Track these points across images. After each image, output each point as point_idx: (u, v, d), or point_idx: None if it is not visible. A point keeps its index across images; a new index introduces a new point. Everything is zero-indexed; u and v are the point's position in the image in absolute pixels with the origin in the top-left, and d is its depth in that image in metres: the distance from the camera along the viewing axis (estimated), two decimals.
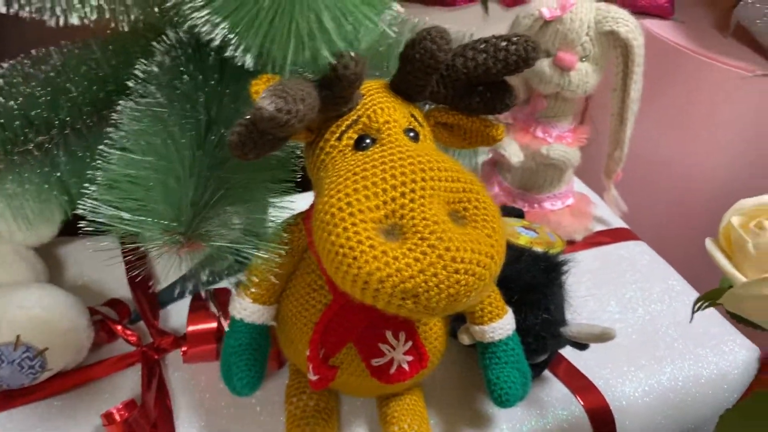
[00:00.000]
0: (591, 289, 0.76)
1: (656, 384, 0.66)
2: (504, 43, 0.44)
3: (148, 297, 0.67)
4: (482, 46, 0.45)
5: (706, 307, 0.47)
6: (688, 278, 0.82)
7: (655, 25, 0.91)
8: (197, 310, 0.62)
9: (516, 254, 0.60)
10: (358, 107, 0.45)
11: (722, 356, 0.69)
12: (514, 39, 0.44)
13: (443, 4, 0.90)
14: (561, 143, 0.75)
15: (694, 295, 0.76)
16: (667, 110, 0.90)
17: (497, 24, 0.73)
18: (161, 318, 0.68)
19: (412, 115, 0.46)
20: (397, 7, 0.73)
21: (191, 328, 0.61)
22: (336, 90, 0.42)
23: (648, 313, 0.73)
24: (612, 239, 0.83)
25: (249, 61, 0.38)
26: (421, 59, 0.44)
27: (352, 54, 0.40)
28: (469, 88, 0.47)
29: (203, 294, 0.63)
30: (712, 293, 0.47)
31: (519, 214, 0.73)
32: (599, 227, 0.84)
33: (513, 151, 0.74)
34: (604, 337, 0.56)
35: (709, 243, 0.45)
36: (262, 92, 0.37)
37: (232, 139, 0.39)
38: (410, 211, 0.39)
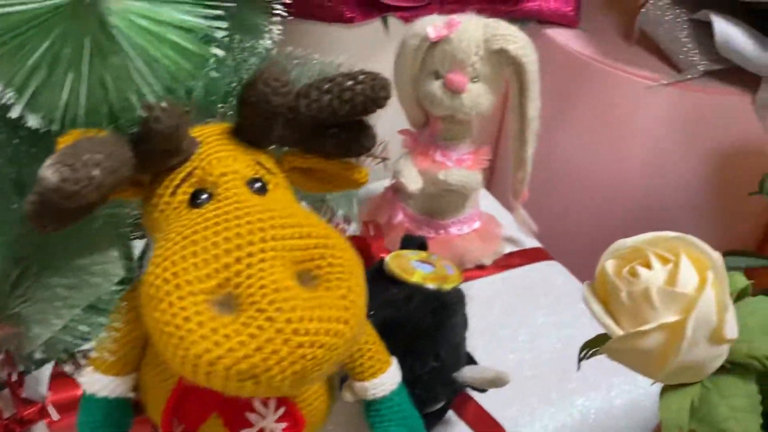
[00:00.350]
0: (501, 317, 0.72)
1: (568, 418, 0.63)
2: (349, 83, 0.40)
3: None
4: (327, 86, 0.40)
5: (591, 355, 0.43)
6: None
7: (562, 35, 0.88)
8: (59, 376, 0.56)
9: (405, 295, 0.56)
10: (193, 158, 0.40)
11: (635, 384, 0.66)
12: (361, 78, 0.40)
13: (341, 21, 0.86)
14: (461, 167, 0.72)
15: None
16: (577, 123, 0.88)
17: (398, 41, 0.69)
18: (29, 382, 0.62)
19: (259, 163, 0.42)
20: (272, 37, 0.68)
21: (53, 396, 0.55)
22: (153, 145, 0.37)
23: (560, 340, 0.70)
24: (524, 260, 0.80)
25: (34, 120, 0.33)
26: (256, 104, 0.39)
27: (164, 105, 0.35)
28: (321, 130, 0.42)
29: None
30: (596, 340, 0.43)
31: (421, 244, 0.69)
32: (511, 248, 0.81)
33: (411, 177, 0.70)
34: (497, 382, 0.52)
35: (585, 289, 0.41)
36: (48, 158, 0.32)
37: (29, 210, 0.34)
38: (247, 278, 0.35)
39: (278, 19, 0.70)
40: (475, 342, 0.67)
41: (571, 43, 0.86)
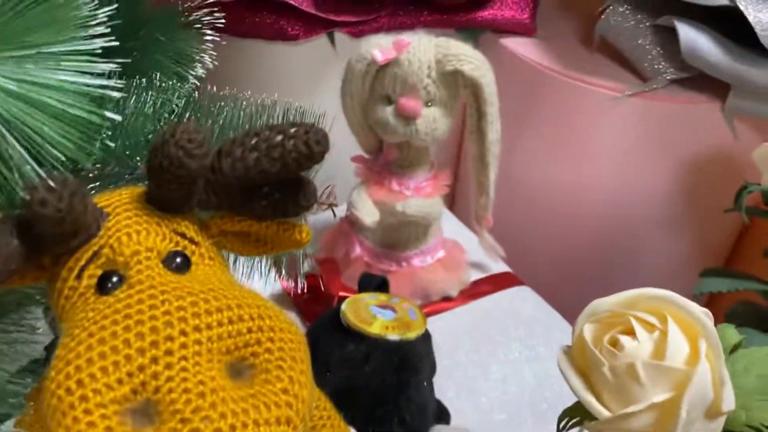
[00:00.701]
0: (471, 354, 0.68)
1: None
2: (279, 138, 0.34)
3: None
4: (253, 141, 0.35)
5: (571, 427, 0.38)
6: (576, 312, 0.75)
7: (519, 45, 0.83)
8: None
9: (363, 353, 0.51)
10: (101, 233, 0.34)
11: None
12: (292, 131, 0.34)
13: (284, 39, 0.80)
14: (420, 195, 0.66)
15: None
16: (538, 138, 0.83)
17: (348, 58, 0.63)
18: None
19: (179, 233, 0.36)
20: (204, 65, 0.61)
21: None
22: (44, 229, 0.31)
23: (535, 376, 0.66)
24: (492, 287, 0.75)
25: None
26: (168, 169, 0.33)
27: (50, 183, 0.29)
28: (250, 191, 0.37)
29: None
30: (575, 408, 0.38)
31: (381, 284, 0.64)
32: (478, 274, 0.76)
33: (366, 210, 0.65)
34: None
35: (561, 357, 0.36)
36: None
37: None
38: (166, 381, 0.29)
39: (210, 45, 0.64)
40: (444, 384, 0.62)
41: (528, 53, 0.81)
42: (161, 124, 0.49)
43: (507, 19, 0.83)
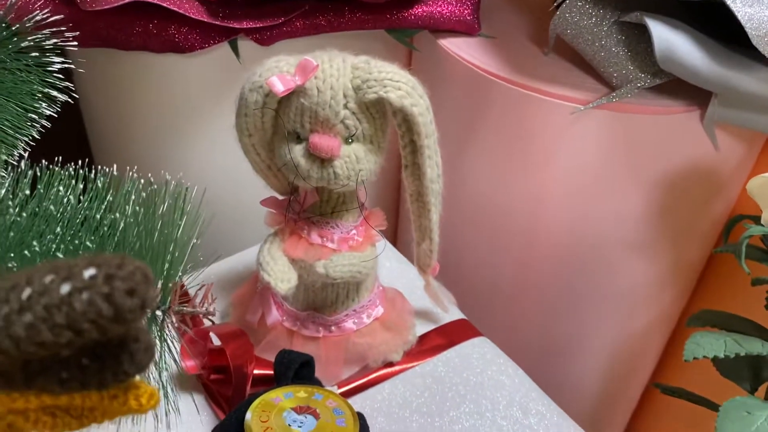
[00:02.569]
0: None
1: None
2: (64, 289, 0.21)
3: None
4: (24, 295, 0.21)
5: None
6: (542, 350, 0.64)
7: (461, 47, 0.70)
8: None
9: None
10: None
11: None
12: (86, 277, 0.21)
13: (176, 50, 0.65)
14: (346, 248, 0.53)
15: (552, 409, 0.58)
16: (487, 156, 0.71)
17: (254, 67, 0.49)
18: None
19: None
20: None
21: None
22: None
23: None
24: (445, 341, 0.63)
25: None
26: None
27: None
28: (44, 360, 0.23)
29: None
30: None
31: (303, 365, 0.51)
32: (428, 326, 0.64)
33: (278, 273, 0.51)
34: None
35: None
36: None
37: None
38: None
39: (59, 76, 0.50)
40: None
41: (472, 56, 0.69)
42: None
43: (445, 16, 0.70)
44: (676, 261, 0.74)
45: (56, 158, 0.39)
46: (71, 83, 0.51)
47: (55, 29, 0.48)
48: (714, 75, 0.54)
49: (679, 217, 0.69)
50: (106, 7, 0.60)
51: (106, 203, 0.32)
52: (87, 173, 0.34)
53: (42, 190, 0.32)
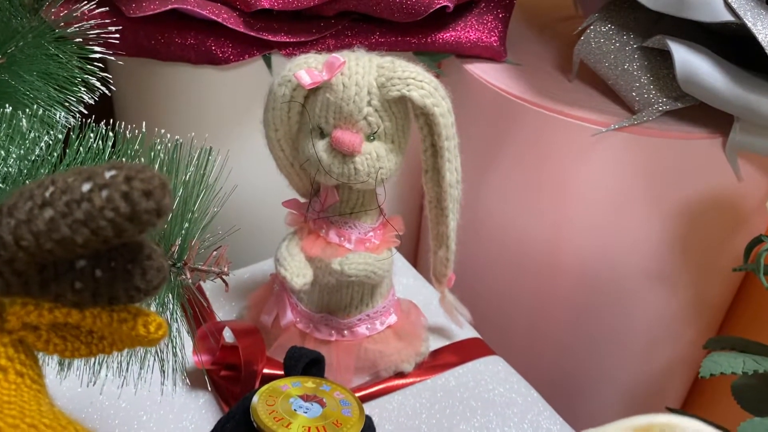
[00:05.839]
0: None
1: None
2: (86, 187, 0.22)
3: None
4: (47, 193, 0.22)
5: None
6: (557, 383, 0.63)
7: (487, 72, 0.72)
8: None
9: None
10: None
11: None
12: (107, 177, 0.22)
13: (213, 62, 0.68)
14: (363, 249, 0.54)
15: (566, 430, 0.57)
16: (510, 178, 0.72)
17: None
18: None
19: None
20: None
21: None
22: None
23: None
24: (457, 358, 0.63)
25: None
26: None
27: None
28: (58, 267, 0.24)
29: None
30: None
31: (312, 362, 0.51)
32: (440, 342, 0.64)
33: (294, 269, 0.52)
34: None
35: None
36: None
37: None
38: None
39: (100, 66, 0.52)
40: None
41: (498, 81, 0.70)
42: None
43: (473, 42, 0.72)
44: (699, 295, 0.72)
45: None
46: (109, 80, 0.53)
47: (99, 32, 0.51)
48: (735, 97, 0.55)
49: (700, 249, 0.69)
50: (149, 13, 0.63)
51: (133, 156, 0.34)
52: (117, 131, 0.35)
53: (76, 147, 0.34)
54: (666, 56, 0.60)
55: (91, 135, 0.34)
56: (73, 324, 0.26)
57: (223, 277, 0.36)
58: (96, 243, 0.22)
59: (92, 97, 0.51)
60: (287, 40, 0.67)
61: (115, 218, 0.22)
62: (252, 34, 0.65)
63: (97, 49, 0.50)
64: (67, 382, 0.44)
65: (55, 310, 0.26)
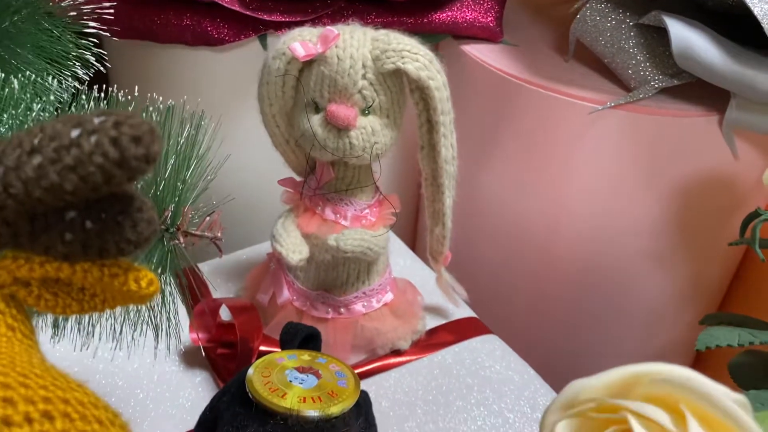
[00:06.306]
0: (425, 423, 0.54)
1: None
2: (74, 133, 0.22)
3: None
4: (35, 141, 0.22)
5: None
6: (554, 365, 0.63)
7: (484, 52, 0.72)
8: None
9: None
10: None
11: None
12: (96, 123, 0.22)
13: (209, 43, 0.68)
14: (359, 226, 0.54)
15: None
16: (507, 157, 0.72)
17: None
18: None
19: None
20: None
21: None
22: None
23: None
24: (454, 336, 0.63)
25: None
26: None
27: None
28: (47, 217, 0.24)
29: None
30: None
31: (308, 337, 0.51)
32: (437, 321, 0.64)
33: (290, 245, 0.52)
34: None
35: None
36: None
37: None
38: None
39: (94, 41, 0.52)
40: None
41: (494, 61, 0.70)
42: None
43: (469, 22, 0.72)
44: (697, 274, 0.72)
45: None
46: (104, 57, 0.53)
47: (93, 7, 0.51)
48: (731, 72, 0.55)
49: (697, 227, 0.69)
50: None
51: None
52: (111, 95, 0.35)
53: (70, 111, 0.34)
54: (662, 34, 0.60)
55: (83, 97, 0.34)
56: (65, 280, 0.26)
57: (217, 242, 0.36)
58: (85, 190, 0.22)
59: (86, 73, 0.51)
60: (283, 19, 0.67)
61: (104, 164, 0.22)
62: (248, 13, 0.65)
63: (91, 24, 0.50)
64: (60, 352, 0.44)
65: (46, 264, 0.26)
